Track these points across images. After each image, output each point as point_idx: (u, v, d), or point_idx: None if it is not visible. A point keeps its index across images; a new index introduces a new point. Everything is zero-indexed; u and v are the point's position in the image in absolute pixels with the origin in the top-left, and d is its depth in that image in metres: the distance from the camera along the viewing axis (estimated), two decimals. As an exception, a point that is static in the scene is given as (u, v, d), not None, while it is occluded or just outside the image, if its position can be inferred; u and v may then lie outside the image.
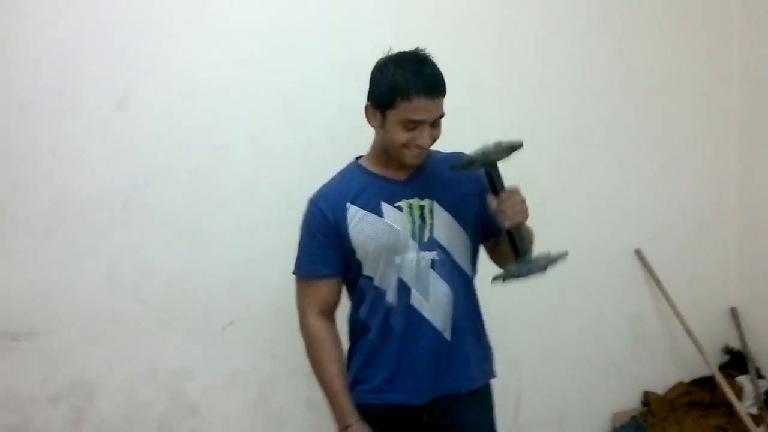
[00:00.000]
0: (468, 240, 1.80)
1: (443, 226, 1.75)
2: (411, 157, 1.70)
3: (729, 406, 2.81)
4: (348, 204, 1.73)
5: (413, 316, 1.73)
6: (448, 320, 1.75)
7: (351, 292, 1.83)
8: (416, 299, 1.73)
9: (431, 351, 1.74)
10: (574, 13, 2.75)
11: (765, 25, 2.99)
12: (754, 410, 2.84)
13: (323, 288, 1.77)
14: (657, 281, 2.95)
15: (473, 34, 2.57)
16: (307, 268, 1.78)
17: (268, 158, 2.29)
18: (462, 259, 1.79)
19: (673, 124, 3.02)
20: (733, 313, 3.14)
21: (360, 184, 1.76)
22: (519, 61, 2.66)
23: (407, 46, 1.71)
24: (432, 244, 1.73)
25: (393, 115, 1.64)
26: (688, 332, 2.92)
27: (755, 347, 3.06)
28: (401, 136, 1.65)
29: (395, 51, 1.70)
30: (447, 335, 1.75)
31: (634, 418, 2.91)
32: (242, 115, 2.25)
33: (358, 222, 1.72)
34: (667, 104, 2.99)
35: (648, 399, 2.97)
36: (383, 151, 1.75)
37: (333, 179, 1.82)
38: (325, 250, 1.74)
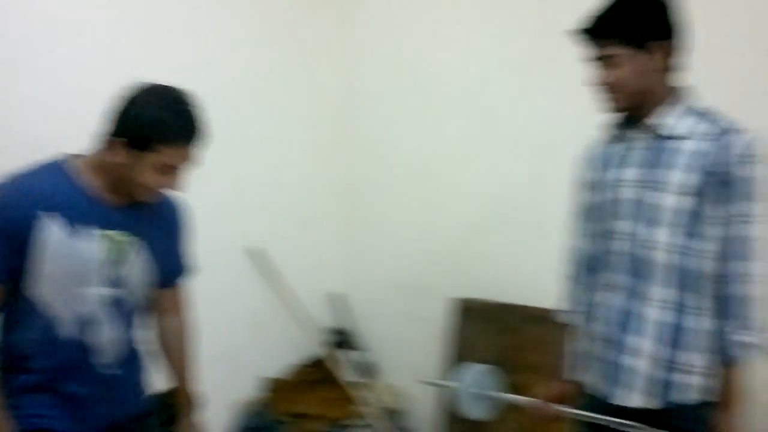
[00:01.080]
0: (155, 281, 1.74)
1: (139, 266, 1.66)
2: (150, 197, 1.57)
3: (338, 379, 3.17)
4: (41, 212, 1.49)
5: (86, 351, 1.60)
6: (120, 355, 1.67)
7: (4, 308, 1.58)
8: (90, 334, 1.60)
9: (101, 384, 1.65)
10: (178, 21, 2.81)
11: (358, 33, 3.42)
12: (358, 379, 3.24)
13: None
14: (271, 274, 3.18)
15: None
16: None
17: None
18: (142, 299, 1.73)
19: (283, 129, 3.28)
20: (338, 297, 3.53)
21: (66, 196, 1.53)
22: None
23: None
24: (121, 282, 1.63)
25: (150, 158, 1.49)
26: (301, 318, 3.20)
27: (357, 326, 3.49)
28: (153, 179, 1.52)
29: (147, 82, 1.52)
30: (117, 369, 1.67)
31: (253, 405, 3.07)
32: None
33: (51, 236, 1.50)
34: (276, 111, 3.24)
35: (267, 384, 3.16)
36: (114, 179, 1.56)
37: (30, 174, 1.55)
38: None
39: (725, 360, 1.56)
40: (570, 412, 1.80)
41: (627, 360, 1.63)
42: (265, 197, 3.21)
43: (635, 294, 1.62)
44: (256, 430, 2.92)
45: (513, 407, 2.19)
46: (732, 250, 1.53)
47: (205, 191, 2.92)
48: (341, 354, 3.33)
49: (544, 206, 2.65)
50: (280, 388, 3.15)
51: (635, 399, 1.62)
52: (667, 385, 1.59)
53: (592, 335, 1.74)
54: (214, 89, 2.86)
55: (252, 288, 3.17)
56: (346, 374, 3.20)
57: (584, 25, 1.62)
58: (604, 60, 1.61)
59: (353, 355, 3.37)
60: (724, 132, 1.54)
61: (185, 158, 1.56)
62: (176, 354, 1.91)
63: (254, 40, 3.13)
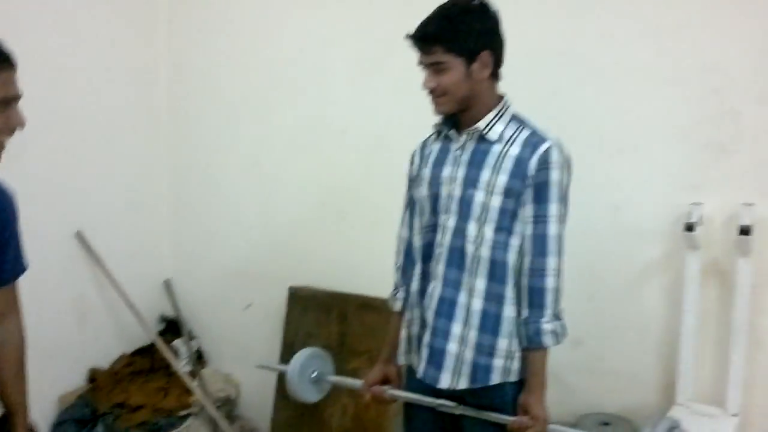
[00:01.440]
0: None
1: None
2: None
3: (168, 367, 3.13)
4: None
5: None
6: None
7: None
8: None
9: None
10: None
11: (189, 22, 3.35)
12: (189, 368, 3.21)
13: None
14: (98, 261, 3.06)
15: None
16: None
17: None
18: None
19: (109, 109, 3.16)
20: (167, 284, 3.47)
21: None
22: None
23: None
24: None
25: None
26: (129, 306, 3.12)
27: (187, 313, 3.44)
28: None
29: None
30: None
31: (80, 396, 2.97)
32: None
33: None
34: (103, 91, 3.11)
35: (94, 375, 3.06)
36: None
37: None
38: None
39: (528, 345, 1.75)
40: (393, 394, 1.94)
41: (439, 343, 1.79)
42: (91, 181, 3.10)
43: (451, 282, 1.78)
44: (82, 423, 2.82)
45: (347, 391, 2.30)
46: (536, 246, 1.73)
47: (30, 172, 2.77)
48: (175, 342, 3.28)
49: (377, 198, 2.78)
50: (107, 379, 3.06)
51: (446, 380, 1.78)
52: (475, 367, 1.77)
53: (414, 321, 1.89)
54: (38, 56, 2.73)
55: (79, 274, 3.04)
56: (177, 363, 3.15)
57: (413, 33, 1.74)
58: (431, 66, 1.73)
59: (184, 343, 3.33)
60: (536, 139, 1.74)
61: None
62: (12, 368, 1.67)
63: (80, 22, 3.01)
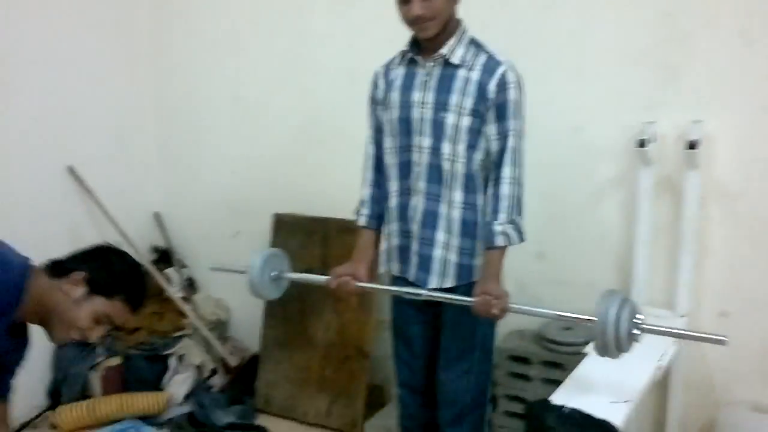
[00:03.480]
0: None
1: None
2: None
3: (161, 294, 3.31)
4: None
5: None
6: None
7: None
8: None
9: None
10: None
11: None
12: (182, 294, 3.40)
13: None
14: (91, 194, 3.20)
15: None
16: None
17: None
18: None
19: (95, 50, 3.26)
20: (157, 216, 3.62)
21: None
22: None
23: None
24: None
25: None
26: (122, 236, 3.27)
27: (177, 244, 3.61)
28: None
29: None
30: None
31: (80, 321, 3.14)
32: None
33: None
34: (89, 32, 3.22)
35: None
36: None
37: None
38: None
39: (486, 244, 1.94)
40: (360, 285, 2.06)
41: (426, 250, 1.99)
42: (81, 117, 3.22)
43: (432, 196, 1.97)
44: (83, 344, 3.00)
45: (331, 307, 2.40)
46: (498, 159, 1.92)
47: (22, 110, 2.89)
48: (168, 271, 3.46)
49: (354, 127, 2.91)
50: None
51: (434, 281, 2.00)
52: (459, 268, 1.98)
53: (393, 233, 2.07)
54: (33, 14, 2.83)
55: (72, 207, 3.19)
56: (171, 290, 3.33)
57: None
58: None
59: (176, 271, 3.50)
60: (494, 63, 1.90)
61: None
62: None
63: None
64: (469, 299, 1.89)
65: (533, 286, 2.63)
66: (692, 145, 2.27)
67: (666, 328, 1.75)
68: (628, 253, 2.52)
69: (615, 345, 1.65)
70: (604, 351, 1.68)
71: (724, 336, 1.61)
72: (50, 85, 3.04)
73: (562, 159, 2.59)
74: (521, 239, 1.93)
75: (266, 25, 3.22)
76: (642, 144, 2.33)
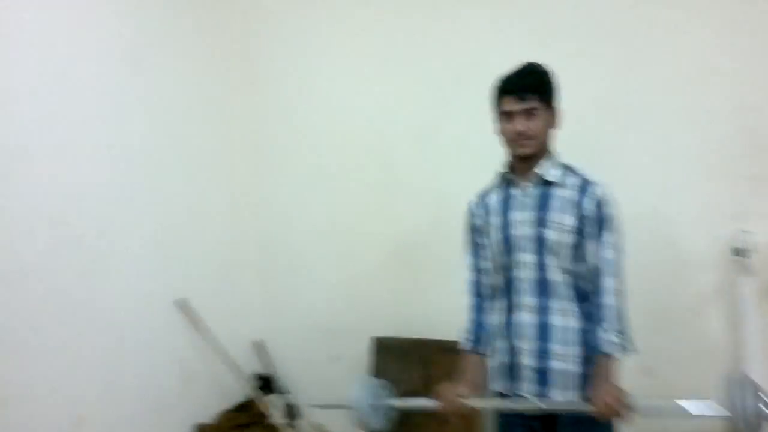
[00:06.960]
0: None
1: None
2: None
3: (264, 421, 3.39)
4: None
5: None
6: None
7: None
8: None
9: None
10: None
11: (275, 98, 3.74)
12: (284, 420, 3.47)
13: None
14: (197, 324, 3.38)
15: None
16: None
17: None
18: None
19: (201, 186, 3.53)
20: (259, 344, 3.76)
21: None
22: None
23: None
24: None
25: None
26: (228, 365, 3.41)
27: (279, 370, 3.72)
28: None
29: None
30: None
31: (189, 451, 3.24)
32: None
33: None
34: (195, 170, 3.50)
35: (201, 430, 3.34)
36: None
37: None
38: None
39: (596, 352, 1.97)
40: (471, 403, 2.09)
41: (542, 363, 2.03)
42: (186, 250, 3.42)
43: (539, 309, 2.04)
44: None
45: (432, 422, 2.44)
46: (603, 270, 1.99)
47: (130, 245, 3.12)
48: (267, 398, 3.55)
49: (444, 249, 3.03)
50: (213, 433, 3.33)
51: (555, 393, 2.01)
52: (579, 378, 2.01)
53: (500, 350, 2.12)
54: (135, 146, 3.11)
55: (179, 338, 3.35)
56: (273, 417, 3.41)
57: (511, 85, 2.04)
58: (525, 112, 2.02)
59: (278, 398, 3.59)
60: (588, 182, 2.04)
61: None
62: None
63: (168, 102, 3.36)
64: (589, 405, 1.90)
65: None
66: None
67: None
68: (737, 365, 2.47)
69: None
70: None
71: None
72: (159, 221, 3.28)
73: (661, 273, 2.63)
74: (631, 349, 1.96)
75: (357, 155, 3.45)
76: (738, 253, 2.35)
